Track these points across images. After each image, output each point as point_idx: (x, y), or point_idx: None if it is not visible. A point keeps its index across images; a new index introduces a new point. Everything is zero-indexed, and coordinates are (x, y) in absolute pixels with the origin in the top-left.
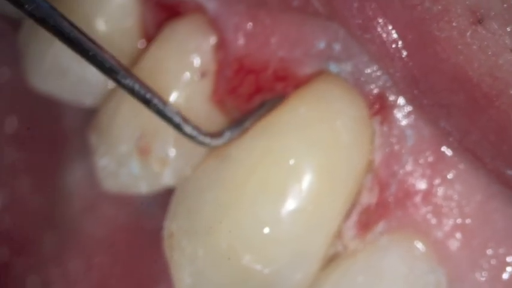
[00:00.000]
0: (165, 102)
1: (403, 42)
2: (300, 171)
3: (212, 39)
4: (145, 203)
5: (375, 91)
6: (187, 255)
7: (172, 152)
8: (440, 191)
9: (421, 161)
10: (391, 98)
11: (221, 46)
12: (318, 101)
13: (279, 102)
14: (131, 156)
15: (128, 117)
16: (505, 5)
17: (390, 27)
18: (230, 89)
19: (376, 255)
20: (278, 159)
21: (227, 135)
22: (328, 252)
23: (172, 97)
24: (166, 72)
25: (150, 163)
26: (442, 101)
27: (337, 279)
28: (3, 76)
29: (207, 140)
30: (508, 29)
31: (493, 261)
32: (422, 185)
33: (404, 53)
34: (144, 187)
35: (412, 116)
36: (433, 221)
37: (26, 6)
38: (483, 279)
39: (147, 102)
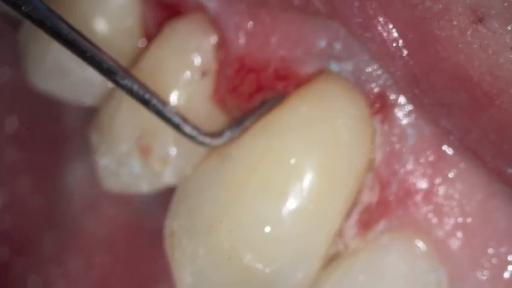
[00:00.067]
0: (164, 103)
1: (403, 41)
2: (301, 170)
3: (213, 39)
4: (146, 203)
5: (376, 90)
6: (188, 254)
7: (173, 151)
8: (441, 190)
9: (422, 160)
10: (392, 97)
11: (222, 45)
12: (318, 100)
13: (279, 102)
14: (132, 155)
15: (129, 117)
16: (505, 4)
17: (391, 26)
18: (231, 88)
19: (377, 254)
20: (279, 158)
21: (227, 134)
22: (329, 251)
23: (173, 96)
24: (166, 71)
25: (151, 162)
26: (443, 99)
27: (338, 278)
28: (3, 76)
29: (207, 139)
30: (509, 28)
31: (494, 260)
32: (423, 184)
33: (405, 52)
34: (145, 186)
35: (413, 115)
36: (434, 220)
37: (23, 8)
38: (484, 278)
39: (146, 103)
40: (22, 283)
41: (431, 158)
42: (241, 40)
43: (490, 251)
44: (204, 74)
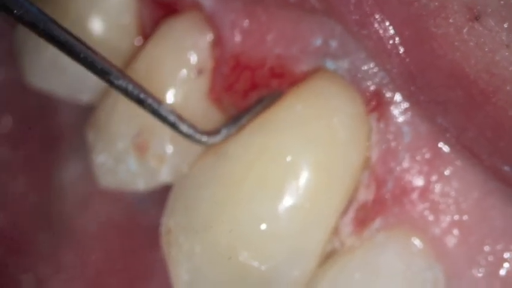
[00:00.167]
0: (159, 102)
1: (400, 39)
2: (297, 168)
3: (209, 37)
4: (139, 200)
5: (372, 88)
6: (185, 251)
7: (169, 149)
8: (437, 187)
9: (418, 157)
10: (388, 94)
11: (218, 43)
12: (314, 98)
13: (275, 99)
14: (129, 153)
15: (126, 114)
16: (501, 2)
17: (387, 24)
18: (226, 86)
19: (373, 252)
20: (275, 156)
21: (223, 133)
22: (326, 248)
23: (169, 94)
24: (163, 69)
25: (148, 160)
26: (439, 97)
27: (335, 276)
28: None
29: (203, 138)
30: (505, 26)
31: (491, 258)
32: (419, 181)
33: (401, 49)
34: (141, 184)
35: (409, 113)
36: (430, 217)
37: (15, 11)
38: (480, 275)
39: (141, 102)
40: (16, 282)
41: (427, 156)
42: (237, 38)
43: (486, 248)
44: (200, 72)
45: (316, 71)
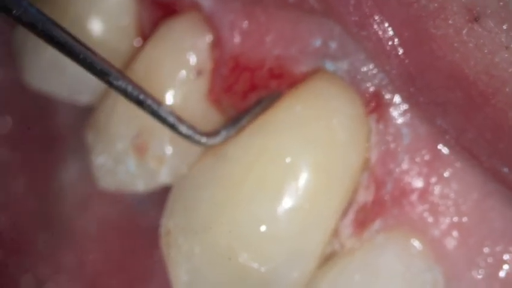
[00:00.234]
0: (159, 103)
1: (399, 40)
2: (297, 169)
3: (208, 37)
4: (138, 201)
5: (371, 89)
6: (184, 252)
7: (169, 150)
8: (436, 189)
9: (417, 159)
10: (387, 96)
11: (217, 44)
12: (314, 99)
13: (274, 100)
14: (128, 154)
15: (125, 115)
16: (501, 3)
17: (386, 25)
18: (226, 87)
19: (372, 254)
20: (274, 157)
21: (223, 134)
22: (325, 250)
23: (169, 95)
24: (162, 70)
25: (147, 161)
26: (438, 98)
27: (334, 278)
28: None
29: (202, 139)
30: (504, 27)
31: (490, 260)
32: (418, 183)
33: (401, 51)
34: (140, 185)
35: (408, 114)
36: (430, 219)
37: (14, 11)
38: (480, 277)
39: (141, 103)
40: (16, 282)
41: (426, 157)
42: (236, 39)
43: (486, 250)
44: (199, 73)
45: (315, 72)
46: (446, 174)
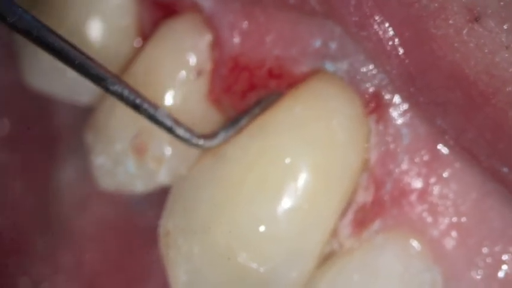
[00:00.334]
0: (155, 106)
1: (399, 40)
2: (296, 169)
3: (208, 38)
4: (136, 201)
5: (371, 90)
6: (184, 253)
7: (168, 151)
8: (435, 189)
9: (417, 159)
10: (387, 96)
11: (216, 44)
12: (313, 100)
13: (274, 101)
14: (127, 155)
15: (124, 116)
16: (501, 3)
17: (387, 25)
18: (225, 87)
19: (371, 254)
20: (274, 158)
21: (221, 136)
22: (324, 250)
23: (168, 96)
24: (162, 71)
25: (146, 162)
26: (438, 98)
27: (333, 278)
28: None
29: (200, 141)
30: (505, 27)
31: (489, 260)
32: (417, 183)
33: (401, 51)
34: (140, 186)
35: (408, 115)
36: (429, 219)
37: (8, 18)
38: (479, 277)
39: (137, 107)
40: (15, 282)
41: (426, 158)
42: (236, 39)
43: (485, 250)
44: (199, 73)
45: (315, 73)
46: (445, 174)
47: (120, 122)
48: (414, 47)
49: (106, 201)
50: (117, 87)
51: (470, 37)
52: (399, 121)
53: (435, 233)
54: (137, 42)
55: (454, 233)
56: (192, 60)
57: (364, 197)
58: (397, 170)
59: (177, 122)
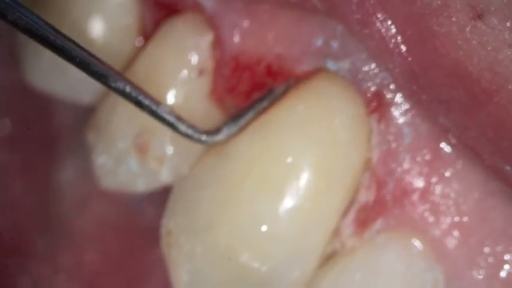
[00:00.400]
0: (158, 103)
1: (402, 38)
2: (298, 169)
3: (210, 37)
4: (136, 200)
5: (373, 89)
6: (185, 252)
7: (170, 150)
8: (437, 189)
9: (419, 158)
10: (389, 95)
11: (218, 44)
12: (315, 99)
13: (278, 97)
14: (129, 154)
15: (126, 115)
16: (504, 0)
17: (389, 23)
18: (229, 88)
19: (373, 253)
20: (276, 157)
21: (224, 132)
22: (326, 250)
23: (170, 95)
24: (164, 70)
25: (148, 161)
26: (441, 96)
27: (335, 277)
28: None
29: (203, 137)
30: (508, 24)
31: (491, 259)
32: (419, 183)
33: (404, 48)
34: (141, 185)
35: (410, 114)
36: (431, 219)
37: (9, 16)
38: (480, 277)
39: (140, 104)
40: (15, 282)
41: (427, 157)
42: (237, 38)
43: (487, 250)
44: (201, 72)
45: (317, 72)
46: (447, 173)
47: (121, 121)
48: (417, 45)
49: (106, 201)
50: (119, 84)
51: (473, 34)
52: (401, 120)
53: (437, 233)
54: (139, 42)
55: (456, 233)
56: (194, 59)
57: (366, 196)
58: (399, 169)
59: (179, 118)
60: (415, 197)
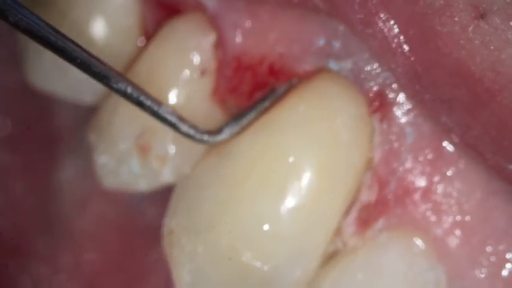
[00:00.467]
0: (159, 103)
1: (404, 37)
2: (300, 168)
3: (212, 37)
4: (137, 200)
5: (375, 88)
6: (187, 252)
7: (171, 150)
8: (439, 188)
9: (421, 158)
10: (391, 95)
11: (220, 44)
12: (317, 99)
13: (277, 98)
14: (131, 154)
15: (128, 115)
16: (507, 0)
17: (392, 22)
18: (231, 88)
19: (375, 252)
20: (278, 156)
21: (226, 132)
22: (328, 249)
23: (172, 95)
24: (166, 70)
25: (150, 161)
26: (444, 96)
27: (337, 276)
28: None
29: (205, 137)
30: (511, 24)
31: (493, 258)
32: (421, 182)
33: (406, 48)
34: (143, 185)
35: (412, 114)
36: (433, 218)
37: (10, 17)
38: (483, 276)
39: (141, 104)
40: (15, 282)
41: (429, 156)
42: (239, 38)
43: (489, 249)
44: (203, 72)
45: (319, 72)
46: (449, 173)
47: (123, 121)
48: (420, 45)
49: (107, 201)
50: (120, 85)
51: (476, 34)
52: (403, 120)
53: (439, 232)
54: (141, 42)
55: (458, 232)
56: (196, 59)
57: (368, 195)
58: (401, 169)
59: (181, 119)
60: (417, 196)
